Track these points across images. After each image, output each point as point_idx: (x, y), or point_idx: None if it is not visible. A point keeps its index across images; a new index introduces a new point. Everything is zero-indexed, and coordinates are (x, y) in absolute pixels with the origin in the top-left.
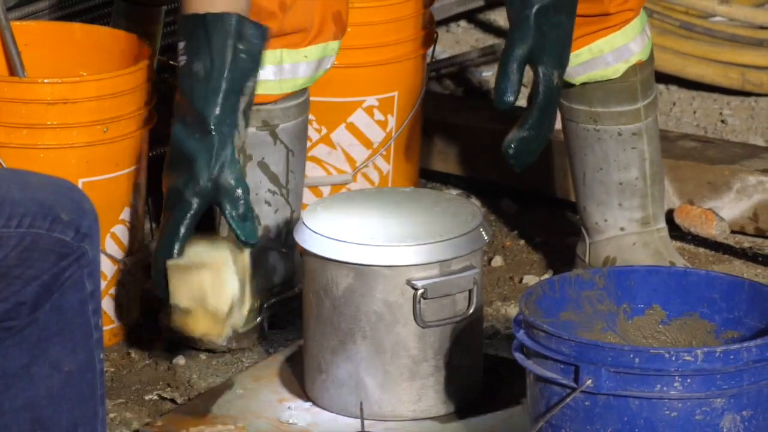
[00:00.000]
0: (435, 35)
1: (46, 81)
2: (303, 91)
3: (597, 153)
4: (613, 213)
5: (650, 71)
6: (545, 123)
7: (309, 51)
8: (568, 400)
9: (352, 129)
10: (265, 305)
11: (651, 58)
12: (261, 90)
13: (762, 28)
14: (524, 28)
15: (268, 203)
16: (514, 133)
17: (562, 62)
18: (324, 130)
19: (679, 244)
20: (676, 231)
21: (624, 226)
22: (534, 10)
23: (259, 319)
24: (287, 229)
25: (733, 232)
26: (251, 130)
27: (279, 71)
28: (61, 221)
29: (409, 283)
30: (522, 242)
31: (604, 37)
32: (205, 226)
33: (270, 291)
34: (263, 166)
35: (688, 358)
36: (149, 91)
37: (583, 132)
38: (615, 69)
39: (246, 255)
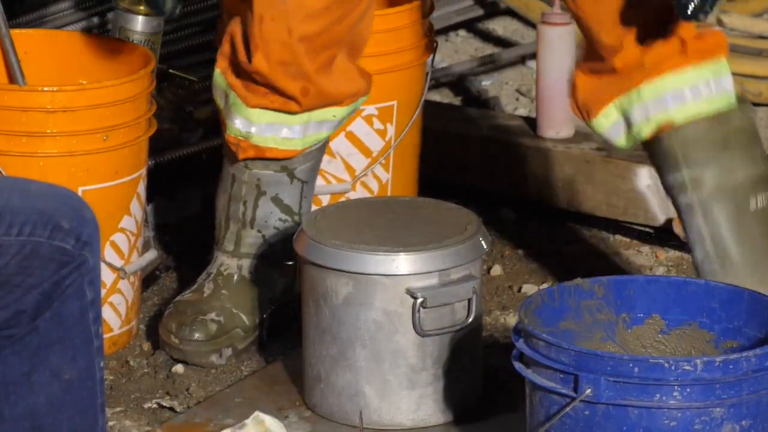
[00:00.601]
0: (434, 44)
1: (45, 89)
2: None
3: None
4: None
5: (701, 141)
6: None
7: (338, 111)
8: (567, 409)
9: (352, 138)
10: (265, 316)
11: (704, 123)
12: (284, 146)
13: (761, 37)
14: None
15: (277, 229)
16: None
17: None
18: None
19: (678, 253)
20: (675, 240)
21: None
22: None
23: (257, 332)
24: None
25: None
26: (268, 172)
27: (304, 129)
28: (62, 229)
29: (408, 292)
30: (521, 251)
31: (620, 96)
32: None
33: (270, 301)
34: (277, 200)
35: (687, 367)
36: (149, 100)
37: None
38: (639, 128)
39: None
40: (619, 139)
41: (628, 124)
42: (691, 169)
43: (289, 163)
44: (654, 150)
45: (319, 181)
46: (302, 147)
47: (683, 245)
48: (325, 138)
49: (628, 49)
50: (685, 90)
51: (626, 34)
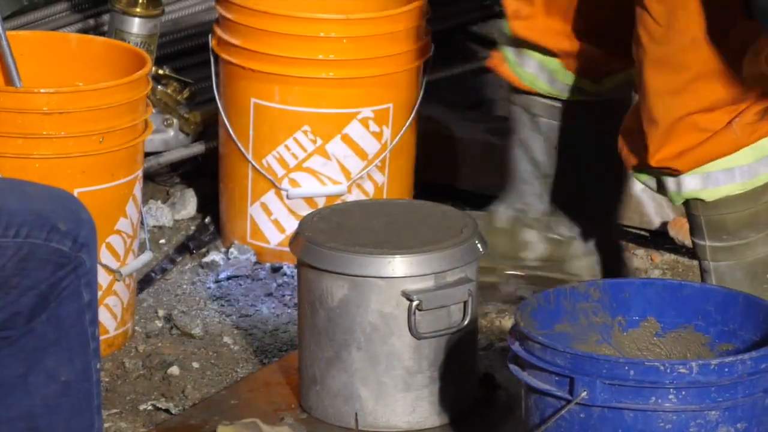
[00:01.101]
0: (430, 47)
1: (42, 91)
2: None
3: None
4: None
5: (729, 218)
6: None
7: (553, 63)
8: (562, 412)
9: (348, 140)
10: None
11: (735, 201)
12: (512, 68)
13: None
14: None
15: (524, 182)
16: None
17: None
18: (319, 141)
19: (673, 256)
20: (669, 243)
21: None
22: None
23: None
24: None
25: None
26: (515, 107)
27: (526, 63)
28: (59, 231)
29: (404, 294)
30: None
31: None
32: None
33: None
34: (523, 145)
35: (682, 370)
36: (145, 102)
37: None
38: (671, 195)
39: None
40: (655, 190)
41: (661, 186)
42: (714, 242)
43: (525, 103)
44: (685, 209)
45: (315, 183)
46: (519, 77)
47: (678, 248)
48: (531, 83)
49: (663, 150)
50: (734, 170)
51: (668, 132)
